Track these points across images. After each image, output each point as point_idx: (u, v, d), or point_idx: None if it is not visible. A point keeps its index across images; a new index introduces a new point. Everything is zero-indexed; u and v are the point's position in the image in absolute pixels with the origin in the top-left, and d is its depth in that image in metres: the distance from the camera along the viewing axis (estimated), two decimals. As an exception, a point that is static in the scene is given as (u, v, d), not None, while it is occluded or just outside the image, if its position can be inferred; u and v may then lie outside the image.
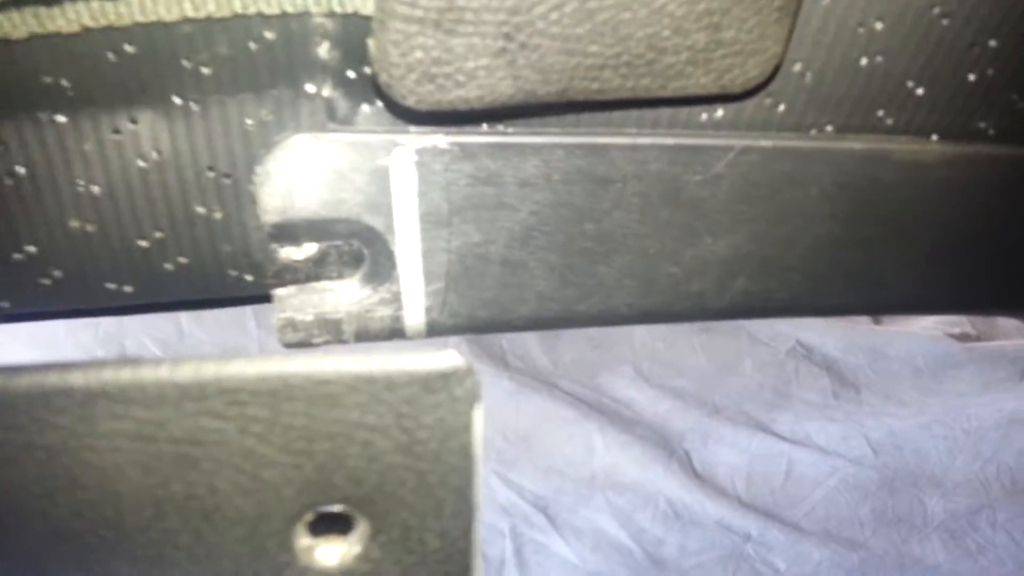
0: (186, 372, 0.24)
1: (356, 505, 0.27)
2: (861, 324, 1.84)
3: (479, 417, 0.26)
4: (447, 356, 0.25)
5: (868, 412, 1.69)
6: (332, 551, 0.28)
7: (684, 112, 0.40)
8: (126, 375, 0.24)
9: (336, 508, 0.27)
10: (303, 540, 0.27)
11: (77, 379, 0.24)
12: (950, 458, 1.64)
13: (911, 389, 1.72)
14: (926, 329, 1.82)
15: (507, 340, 1.78)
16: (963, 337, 1.80)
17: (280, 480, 0.26)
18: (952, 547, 1.55)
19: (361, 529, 0.27)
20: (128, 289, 0.40)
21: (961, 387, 1.70)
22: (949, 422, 1.66)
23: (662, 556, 1.57)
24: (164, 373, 0.24)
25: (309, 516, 0.27)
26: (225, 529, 0.26)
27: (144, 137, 0.36)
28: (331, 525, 0.27)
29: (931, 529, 1.58)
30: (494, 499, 1.60)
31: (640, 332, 1.80)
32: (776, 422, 1.69)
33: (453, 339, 1.74)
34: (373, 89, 0.36)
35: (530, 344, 1.78)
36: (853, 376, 1.74)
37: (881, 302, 0.49)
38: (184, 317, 1.61)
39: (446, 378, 0.25)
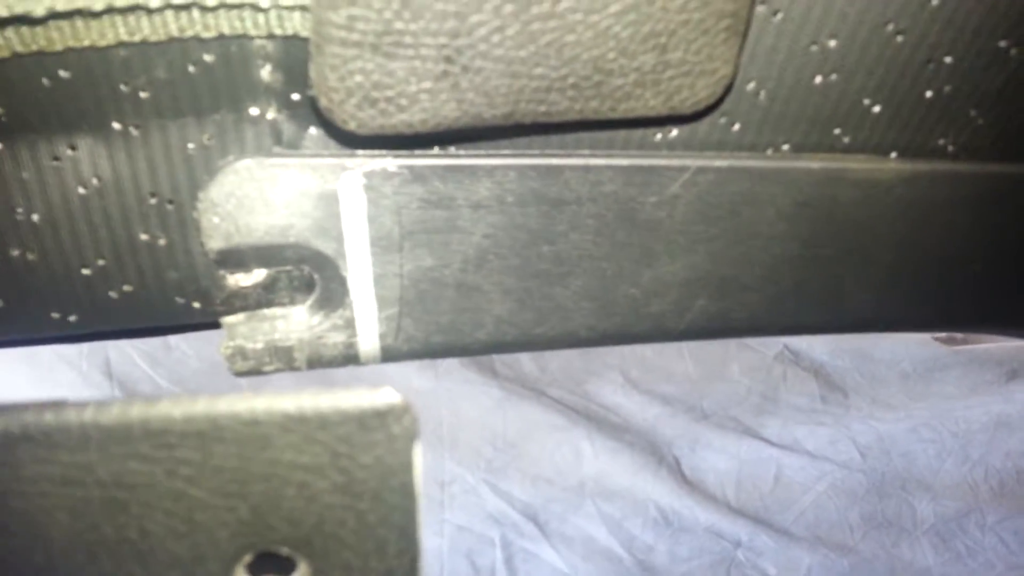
0: (111, 414, 0.24)
1: (296, 546, 0.26)
2: (849, 328, 1.84)
3: (419, 454, 0.26)
4: (383, 394, 0.25)
5: (856, 416, 1.69)
6: None
7: (638, 133, 0.40)
8: (49, 418, 0.23)
9: (275, 549, 0.26)
10: None
11: None
12: (938, 461, 1.64)
13: (899, 393, 1.72)
14: (913, 333, 1.83)
15: (495, 348, 1.78)
16: (950, 340, 1.80)
17: (214, 522, 0.25)
18: (942, 550, 1.55)
19: (302, 571, 0.27)
20: (73, 318, 0.40)
21: (948, 390, 1.70)
22: (937, 425, 1.66)
23: (652, 563, 1.56)
24: (88, 415, 0.24)
25: (248, 558, 0.26)
26: (160, 572, 0.26)
27: (84, 163, 0.36)
28: (272, 566, 0.27)
29: (920, 532, 1.58)
30: (484, 508, 1.59)
31: (628, 339, 1.80)
32: (765, 427, 1.69)
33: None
34: (317, 112, 0.36)
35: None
36: (841, 380, 1.74)
37: (842, 321, 0.49)
38: (170, 329, 1.60)
39: (382, 416, 0.25)
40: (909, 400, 1.71)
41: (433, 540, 1.56)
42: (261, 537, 0.26)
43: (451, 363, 1.73)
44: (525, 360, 1.77)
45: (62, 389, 1.48)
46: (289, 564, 0.27)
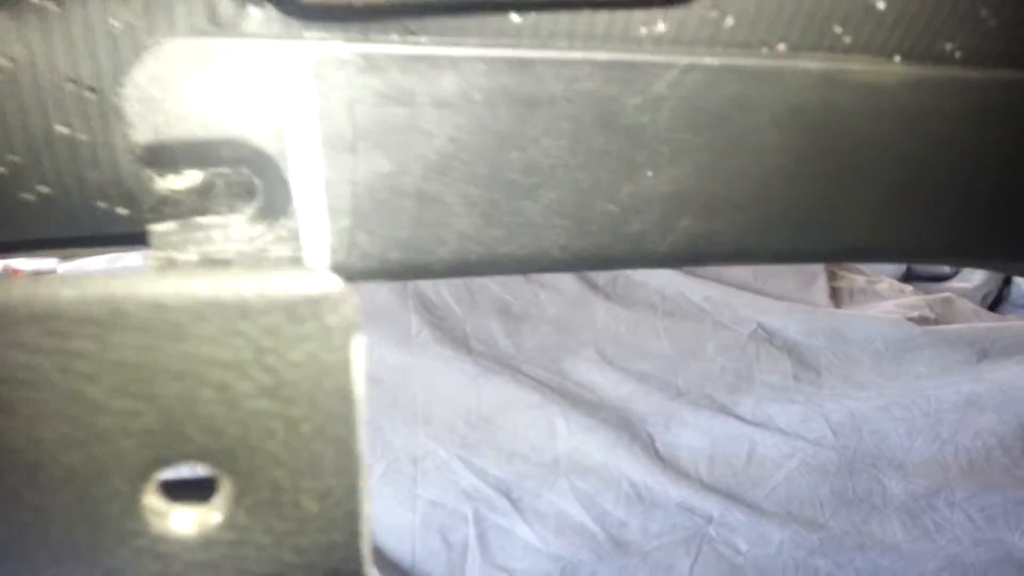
0: None
1: (215, 462, 0.22)
2: (822, 308, 1.85)
3: (359, 351, 0.22)
4: (317, 277, 0.21)
5: (828, 395, 1.70)
6: (189, 517, 0.23)
7: (620, 24, 0.36)
8: None
9: (191, 466, 0.23)
10: (154, 504, 0.23)
11: None
12: (909, 440, 1.65)
13: (871, 372, 1.73)
14: (886, 312, 1.84)
15: (470, 324, 1.77)
16: (922, 320, 1.82)
17: (116, 430, 0.21)
18: (911, 527, 1.57)
19: (224, 491, 0.23)
20: None
21: (920, 370, 1.72)
22: (908, 404, 1.68)
23: (625, 539, 1.57)
24: None
25: (158, 475, 0.22)
26: (53, 489, 0.22)
27: None
28: (189, 488, 0.23)
29: (891, 510, 1.59)
30: (457, 484, 1.59)
31: (603, 315, 1.80)
32: (738, 405, 1.70)
33: (416, 322, 1.73)
34: None
35: (493, 328, 1.77)
36: (814, 359, 1.76)
37: (837, 246, 0.46)
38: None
39: (315, 304, 0.21)
40: (881, 379, 1.72)
41: (406, 516, 1.56)
42: (173, 450, 0.22)
43: (425, 338, 1.72)
44: (500, 336, 1.76)
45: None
46: (208, 484, 0.23)
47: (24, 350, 0.20)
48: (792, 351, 1.76)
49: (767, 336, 1.77)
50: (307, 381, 0.22)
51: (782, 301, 1.83)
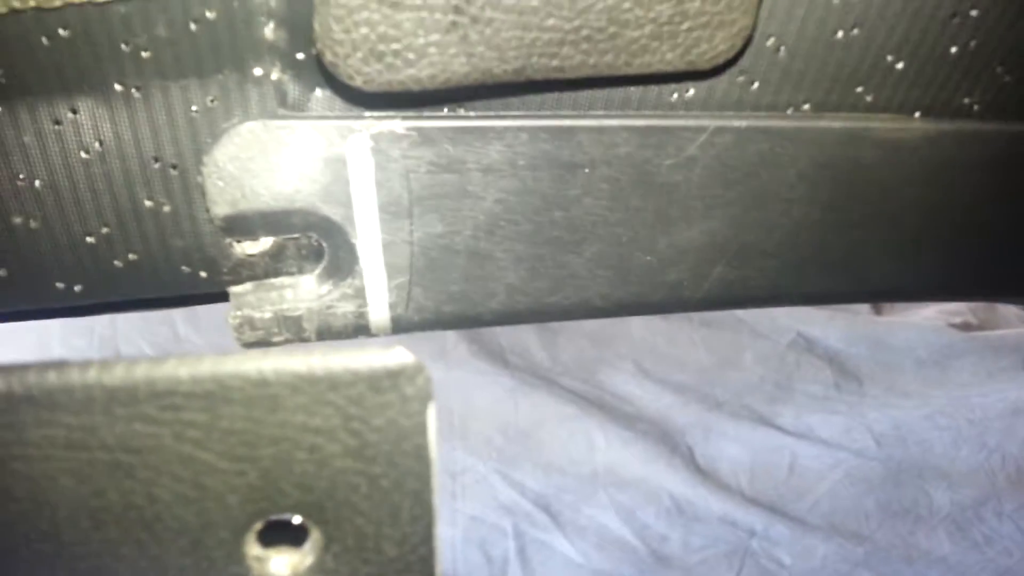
0: (115, 375, 0.23)
1: (307, 513, 0.25)
2: (862, 315, 1.82)
3: (433, 416, 0.25)
4: (395, 353, 0.24)
5: (871, 404, 1.68)
6: (285, 562, 0.26)
7: (653, 92, 0.38)
8: (51, 379, 0.23)
9: (287, 517, 0.25)
10: (254, 551, 0.26)
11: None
12: (955, 449, 1.63)
13: (914, 380, 1.70)
14: (928, 319, 1.81)
15: (505, 337, 1.77)
16: (965, 327, 1.79)
17: (223, 488, 0.24)
18: (958, 538, 1.54)
19: (314, 538, 0.26)
20: (78, 288, 0.39)
21: (964, 377, 1.69)
22: (953, 412, 1.65)
23: (666, 553, 1.55)
24: (92, 376, 0.23)
25: (258, 525, 0.25)
26: (168, 540, 0.25)
27: (85, 127, 0.35)
28: (283, 535, 0.26)
29: (937, 521, 1.56)
30: (496, 498, 1.59)
31: (640, 327, 1.79)
32: (779, 415, 1.68)
33: (453, 336, 1.73)
34: (323, 71, 0.35)
35: (529, 341, 1.77)
36: (855, 368, 1.73)
37: (866, 288, 0.48)
38: (179, 320, 1.61)
39: (395, 376, 0.24)
40: (924, 387, 1.69)
41: (446, 530, 1.56)
42: (272, 504, 0.25)
43: (462, 352, 1.73)
44: (536, 349, 1.76)
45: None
46: (301, 532, 0.26)
47: (144, 422, 0.23)
48: (833, 360, 1.74)
49: (807, 345, 1.75)
50: (387, 443, 0.25)
51: (822, 309, 1.81)
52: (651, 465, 1.61)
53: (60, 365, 0.23)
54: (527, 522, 1.57)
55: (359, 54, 0.32)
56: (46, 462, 0.23)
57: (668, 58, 0.35)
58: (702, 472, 1.63)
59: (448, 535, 1.55)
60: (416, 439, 0.25)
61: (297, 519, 0.25)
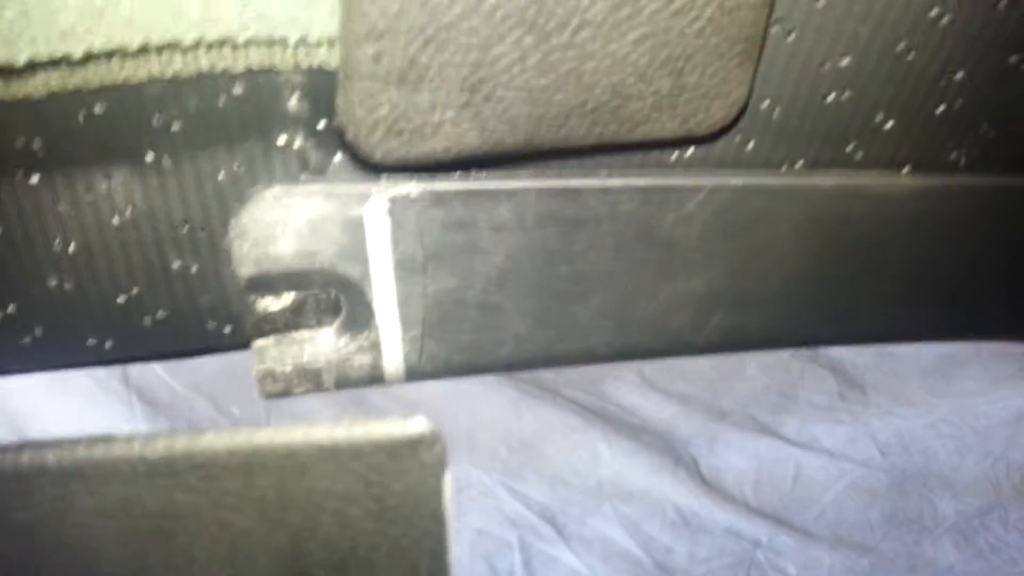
0: (157, 448, 0.25)
1: (332, 571, 0.27)
2: (866, 324, 1.82)
3: (448, 481, 0.27)
4: (414, 423, 0.25)
5: (875, 413, 1.68)
6: None
7: (654, 153, 0.40)
8: (99, 453, 0.24)
9: (313, 574, 0.27)
10: None
11: (51, 458, 0.24)
12: (959, 458, 1.63)
13: (918, 389, 1.70)
14: (932, 328, 1.81)
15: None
16: (969, 335, 1.79)
17: (256, 549, 0.26)
18: (964, 548, 1.54)
19: None
20: (108, 344, 0.40)
21: (969, 385, 1.69)
22: (957, 421, 1.65)
23: (671, 564, 1.56)
24: (136, 450, 0.25)
25: None
26: None
27: (118, 194, 0.36)
28: None
29: (942, 530, 1.56)
30: (501, 510, 1.59)
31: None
32: (783, 425, 1.69)
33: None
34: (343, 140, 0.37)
35: (533, 354, 1.77)
36: (859, 377, 1.73)
37: (856, 333, 0.49)
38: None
39: (413, 445, 0.25)
40: (929, 396, 1.69)
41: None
42: (299, 562, 0.27)
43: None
44: (540, 361, 1.76)
45: (79, 396, 1.49)
46: None
47: (184, 491, 0.25)
48: (836, 369, 1.74)
49: (811, 355, 1.75)
50: (406, 506, 0.26)
51: (798, 348, 1.81)
52: (655, 476, 1.62)
53: (107, 439, 0.25)
54: (532, 535, 1.58)
55: (379, 132, 0.33)
56: (93, 528, 0.25)
57: (668, 127, 0.36)
58: (707, 483, 1.63)
59: (453, 549, 1.56)
60: (433, 502, 0.26)
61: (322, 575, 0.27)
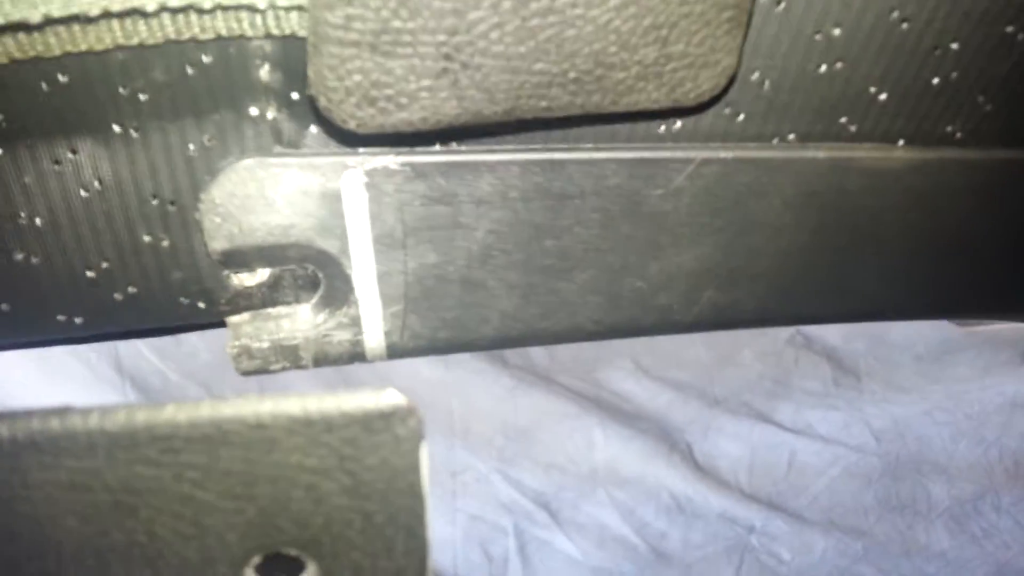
0: (117, 420, 0.24)
1: (304, 548, 0.26)
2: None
3: (424, 455, 0.26)
4: (388, 395, 0.25)
5: (869, 399, 1.68)
6: None
7: (641, 125, 0.39)
8: (55, 425, 0.24)
9: (284, 550, 0.26)
10: None
11: (3, 430, 0.24)
12: (953, 444, 1.63)
13: (912, 375, 1.71)
14: (926, 314, 1.81)
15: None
16: (963, 322, 1.79)
17: (222, 525, 0.25)
18: (957, 533, 1.55)
19: (311, 571, 0.27)
20: (78, 320, 0.40)
21: (962, 372, 1.69)
22: (951, 407, 1.65)
23: (666, 550, 1.56)
24: (94, 422, 0.24)
25: (257, 559, 0.26)
26: (170, 575, 0.26)
27: (85, 167, 0.36)
28: (281, 567, 0.27)
29: (935, 515, 1.57)
30: (496, 497, 1.60)
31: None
32: (777, 412, 1.69)
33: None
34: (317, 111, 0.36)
35: (528, 340, 1.77)
36: (854, 364, 1.73)
37: (851, 310, 0.48)
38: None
39: (387, 418, 0.25)
40: (923, 382, 1.70)
41: (446, 529, 1.57)
42: (270, 539, 0.26)
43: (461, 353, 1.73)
44: (535, 348, 1.76)
45: (72, 384, 1.49)
46: (298, 565, 0.27)
47: (145, 464, 0.24)
48: (831, 356, 1.74)
49: (805, 341, 1.75)
50: (381, 481, 0.25)
51: (791, 326, 1.81)
52: (650, 462, 1.62)
53: (63, 411, 0.24)
54: (527, 520, 1.58)
55: (352, 100, 0.32)
56: (50, 504, 0.24)
57: (654, 97, 0.35)
58: (701, 469, 1.64)
59: (448, 534, 1.56)
60: (409, 476, 0.26)
61: (293, 552, 0.26)
